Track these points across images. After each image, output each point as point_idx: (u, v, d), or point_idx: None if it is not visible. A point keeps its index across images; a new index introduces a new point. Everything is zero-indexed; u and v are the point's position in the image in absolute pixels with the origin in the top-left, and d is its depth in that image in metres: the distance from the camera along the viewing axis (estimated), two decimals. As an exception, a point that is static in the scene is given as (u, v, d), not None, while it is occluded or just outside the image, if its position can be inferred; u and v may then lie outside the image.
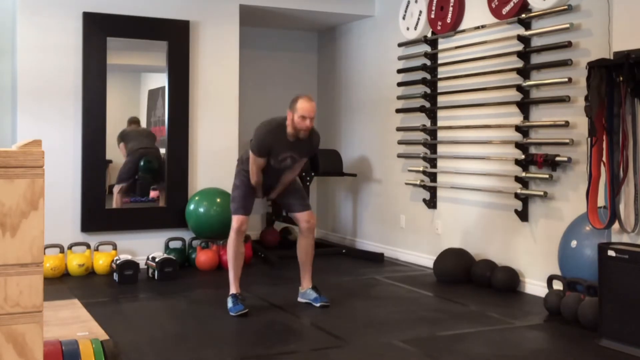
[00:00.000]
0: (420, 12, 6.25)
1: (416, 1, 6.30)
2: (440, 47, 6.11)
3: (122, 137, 6.50)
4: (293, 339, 4.09)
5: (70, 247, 5.81)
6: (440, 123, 6.10)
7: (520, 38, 5.16)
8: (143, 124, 6.78)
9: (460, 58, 5.83)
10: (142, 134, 6.71)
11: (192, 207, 6.12)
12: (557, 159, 4.83)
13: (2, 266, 1.35)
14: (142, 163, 6.59)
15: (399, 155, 6.55)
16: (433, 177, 6.16)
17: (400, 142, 6.51)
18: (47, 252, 5.67)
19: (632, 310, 3.72)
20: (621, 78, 4.11)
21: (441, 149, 6.11)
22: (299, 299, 4.85)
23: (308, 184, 6.85)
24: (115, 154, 6.41)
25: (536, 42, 5.11)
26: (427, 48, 6.21)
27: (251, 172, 4.59)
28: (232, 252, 4.61)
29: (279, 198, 4.86)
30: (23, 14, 5.81)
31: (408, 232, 6.53)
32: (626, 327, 3.74)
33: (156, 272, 5.61)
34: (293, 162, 4.64)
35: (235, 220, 4.61)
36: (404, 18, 6.47)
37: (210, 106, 6.45)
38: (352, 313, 4.63)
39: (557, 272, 4.62)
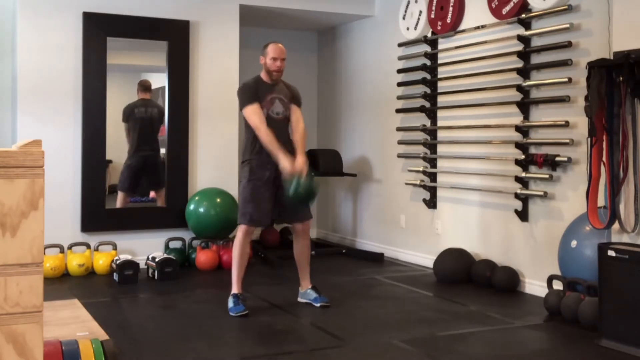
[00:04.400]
0: (420, 12, 6.25)
1: (416, 1, 6.30)
2: (440, 47, 6.11)
3: (128, 117, 6.44)
4: (293, 339, 4.09)
5: (70, 247, 5.81)
6: (440, 123, 6.10)
7: (520, 38, 5.16)
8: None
9: (460, 58, 5.82)
10: (147, 119, 6.56)
11: (192, 207, 6.12)
12: (557, 159, 4.83)
13: (2, 266, 1.35)
14: (142, 169, 6.57)
15: (399, 155, 6.55)
16: (433, 177, 6.16)
17: (400, 142, 6.51)
18: (47, 252, 5.67)
19: (632, 310, 3.72)
20: (621, 78, 4.11)
21: (441, 149, 6.11)
22: (299, 299, 4.85)
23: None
24: (115, 154, 6.40)
25: (536, 42, 5.11)
26: (427, 48, 6.21)
27: (257, 129, 4.51)
28: (237, 251, 4.61)
29: (290, 205, 4.65)
30: (23, 14, 5.81)
31: (408, 232, 6.53)
32: (626, 327, 3.74)
33: (156, 272, 5.61)
34: (284, 106, 4.68)
35: (239, 228, 4.61)
36: (404, 18, 6.47)
37: (210, 106, 6.45)
38: (352, 313, 4.63)
39: (557, 272, 4.62)
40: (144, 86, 6.60)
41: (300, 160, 4.52)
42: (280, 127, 4.63)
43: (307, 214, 4.75)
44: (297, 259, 4.83)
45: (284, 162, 4.44)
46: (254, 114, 4.55)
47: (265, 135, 4.49)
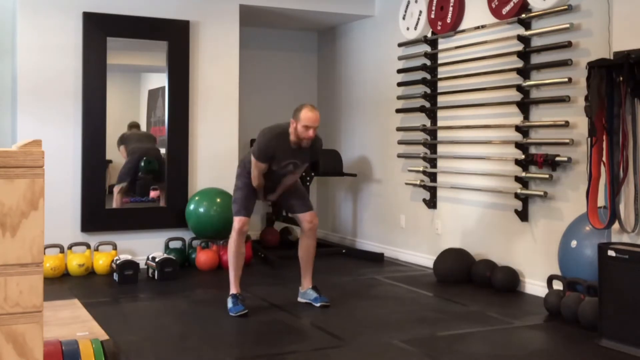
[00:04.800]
0: (420, 12, 6.25)
1: (416, 1, 6.30)
2: (440, 47, 6.11)
3: (122, 141, 6.49)
4: (293, 339, 4.09)
5: (70, 247, 5.81)
6: (440, 123, 6.10)
7: (520, 38, 5.16)
8: (143, 126, 6.76)
9: (460, 58, 5.82)
10: (142, 136, 6.70)
11: (192, 207, 6.12)
12: (557, 159, 4.83)
13: (2, 266, 1.35)
14: (142, 163, 6.58)
15: (399, 155, 6.55)
16: (433, 177, 6.16)
17: (400, 142, 6.51)
18: (47, 252, 5.67)
19: (632, 310, 3.72)
20: (621, 78, 4.11)
21: (441, 149, 6.11)
22: (299, 299, 4.85)
23: (308, 184, 6.86)
24: (116, 154, 6.41)
25: (536, 42, 5.11)
26: (427, 48, 6.21)
27: (253, 176, 4.60)
28: (232, 252, 4.62)
29: (281, 199, 4.84)
30: (23, 14, 5.81)
31: (408, 232, 6.53)
32: (626, 327, 3.74)
33: (156, 272, 5.61)
34: (295, 167, 4.66)
35: (237, 221, 4.61)
36: (404, 18, 6.47)
37: (210, 106, 6.45)
38: (352, 313, 4.63)
39: (557, 272, 4.62)
40: (133, 125, 6.68)
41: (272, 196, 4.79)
42: (280, 178, 4.71)
43: (309, 205, 4.79)
44: (302, 258, 4.84)
45: (261, 196, 4.76)
46: (257, 168, 4.57)
47: (256, 185, 4.64)
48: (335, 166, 7.04)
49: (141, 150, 6.58)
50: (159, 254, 5.80)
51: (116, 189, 6.39)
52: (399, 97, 6.58)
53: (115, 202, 6.36)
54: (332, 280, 5.60)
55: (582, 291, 4.28)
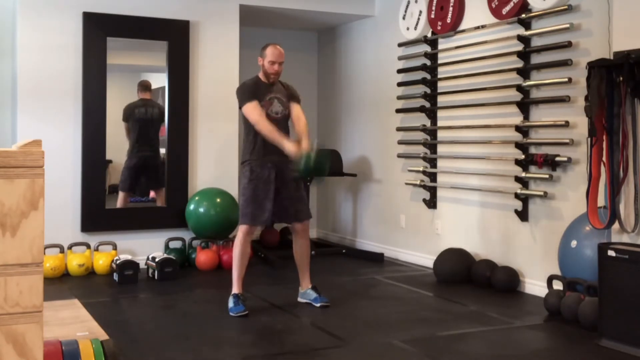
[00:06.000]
0: (420, 12, 6.25)
1: (416, 1, 6.30)
2: (440, 47, 6.11)
3: (128, 117, 6.45)
4: (293, 339, 4.09)
5: (70, 247, 5.81)
6: (440, 123, 6.10)
7: (520, 38, 5.16)
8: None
9: (460, 58, 5.82)
10: (147, 120, 6.55)
11: (192, 207, 6.12)
12: (557, 159, 4.83)
13: (2, 266, 1.35)
14: (142, 168, 6.55)
15: (399, 155, 6.55)
16: (433, 177, 6.16)
17: (400, 142, 6.51)
18: (47, 252, 5.67)
19: (632, 310, 3.72)
20: (621, 78, 4.11)
21: (441, 149, 6.11)
22: (299, 299, 4.85)
23: (308, 184, 6.85)
24: (115, 154, 6.40)
25: (536, 42, 5.11)
26: (427, 48, 6.21)
27: (257, 124, 4.51)
28: (238, 251, 4.61)
29: (287, 202, 4.68)
30: (23, 14, 5.81)
31: (408, 232, 6.53)
32: (626, 327, 3.74)
33: (156, 272, 5.61)
34: (283, 105, 4.69)
35: (240, 228, 4.61)
36: (404, 18, 6.47)
37: (210, 106, 6.45)
38: (352, 313, 4.63)
39: (557, 272, 4.62)
40: (144, 86, 6.60)
41: (306, 142, 4.55)
42: (279, 126, 4.63)
43: (306, 213, 4.76)
44: (297, 259, 4.83)
45: (288, 145, 4.45)
46: (254, 110, 4.56)
47: (265, 127, 4.51)
48: (335, 166, 7.04)
49: (140, 155, 6.52)
50: (159, 254, 5.80)
51: (121, 194, 6.36)
52: (399, 97, 6.58)
53: (120, 202, 6.35)
54: (332, 280, 5.60)
55: (582, 291, 4.28)
